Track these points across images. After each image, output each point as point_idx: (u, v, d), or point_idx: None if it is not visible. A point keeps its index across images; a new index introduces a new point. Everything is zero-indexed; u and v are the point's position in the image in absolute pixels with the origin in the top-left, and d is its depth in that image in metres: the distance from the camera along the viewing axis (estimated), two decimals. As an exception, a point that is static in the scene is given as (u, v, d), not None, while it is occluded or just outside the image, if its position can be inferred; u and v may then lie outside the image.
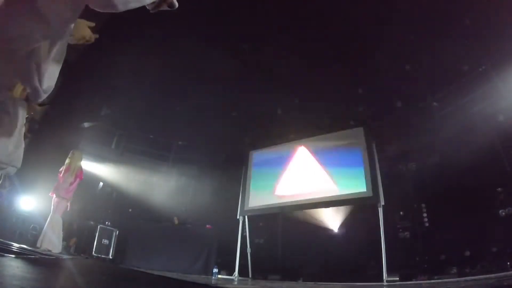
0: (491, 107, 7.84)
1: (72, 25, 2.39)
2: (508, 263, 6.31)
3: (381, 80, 9.28)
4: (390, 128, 9.46)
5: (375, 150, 8.17)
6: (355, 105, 9.97)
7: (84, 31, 2.67)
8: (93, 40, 2.72)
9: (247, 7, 8.51)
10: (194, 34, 8.67)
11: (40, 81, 2.32)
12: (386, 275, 6.77)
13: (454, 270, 7.10)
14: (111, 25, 6.96)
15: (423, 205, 8.82)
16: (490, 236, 7.16)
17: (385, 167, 8.61)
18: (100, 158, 10.35)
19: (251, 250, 9.09)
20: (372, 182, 7.74)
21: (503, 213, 7.26)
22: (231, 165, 10.83)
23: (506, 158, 7.66)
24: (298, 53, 9.03)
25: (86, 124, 9.65)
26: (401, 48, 8.75)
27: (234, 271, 8.65)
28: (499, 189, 7.54)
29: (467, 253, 7.35)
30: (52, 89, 2.49)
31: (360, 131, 8.62)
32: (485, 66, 8.09)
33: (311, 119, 9.90)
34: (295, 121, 10.08)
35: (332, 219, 9.72)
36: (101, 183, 10.48)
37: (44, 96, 2.48)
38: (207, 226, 10.49)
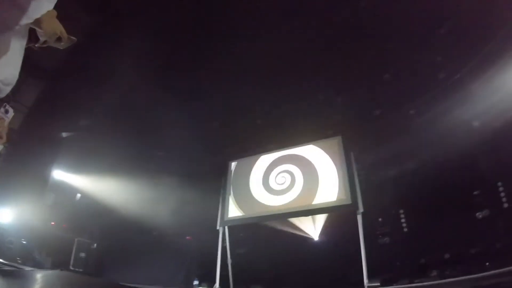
0: (467, 113, 8.01)
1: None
2: (487, 263, 6.43)
3: (359, 89, 9.42)
4: (368, 136, 9.58)
5: (353, 158, 8.33)
6: (334, 114, 10.05)
7: (54, 24, 2.44)
8: (65, 36, 2.53)
9: (222, 21, 8.57)
10: (174, 43, 8.69)
11: None
12: (367, 281, 6.84)
13: (435, 273, 7.19)
14: (94, 34, 6.98)
15: (402, 210, 8.93)
16: (468, 238, 7.31)
17: (363, 174, 8.75)
18: (79, 169, 10.17)
19: (232, 261, 9.02)
20: (351, 189, 7.92)
21: (480, 216, 7.45)
22: (211, 176, 10.74)
23: (482, 162, 7.88)
24: (277, 63, 9.08)
25: (64, 134, 9.50)
26: (379, 57, 8.92)
27: (215, 282, 8.53)
28: (476, 192, 7.75)
29: (447, 256, 7.48)
30: (14, 80, 2.28)
31: (338, 139, 8.79)
32: (460, 73, 8.30)
33: (290, 129, 9.96)
34: (274, 131, 10.13)
35: (313, 227, 9.74)
36: (79, 195, 10.27)
37: (5, 89, 2.25)
38: (187, 237, 10.40)
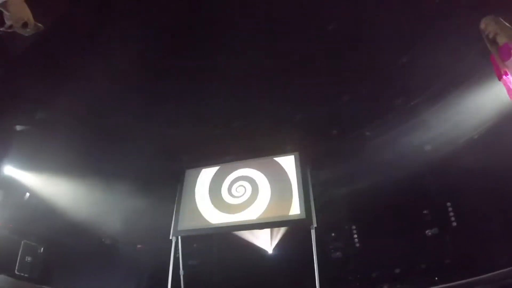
0: (420, 138, 8.56)
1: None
2: (436, 278, 6.85)
3: (319, 108, 9.74)
4: (325, 154, 9.90)
5: (309, 175, 8.59)
6: (293, 131, 10.29)
7: (22, 9, 2.39)
8: (32, 23, 2.47)
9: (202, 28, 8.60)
10: (139, 47, 8.57)
11: None
12: (319, 294, 7.01)
13: (385, 287, 7.54)
14: (62, 23, 6.80)
15: (354, 226, 9.29)
16: (418, 254, 7.77)
17: (318, 190, 8.98)
18: (31, 166, 9.59)
19: (184, 272, 8.89)
20: (306, 205, 8.10)
21: (429, 233, 7.96)
22: (166, 183, 10.54)
23: (433, 184, 8.45)
24: (237, 76, 9.17)
25: (18, 127, 8.96)
26: (340, 80, 9.29)
27: (166, 294, 8.33)
28: (425, 211, 8.30)
29: (397, 270, 7.86)
30: None
31: (296, 156, 9.05)
32: (415, 101, 8.89)
33: (248, 142, 10.06)
34: (232, 142, 10.20)
35: (268, 241, 9.84)
36: (28, 194, 9.66)
37: None
38: (138, 246, 10.11)
